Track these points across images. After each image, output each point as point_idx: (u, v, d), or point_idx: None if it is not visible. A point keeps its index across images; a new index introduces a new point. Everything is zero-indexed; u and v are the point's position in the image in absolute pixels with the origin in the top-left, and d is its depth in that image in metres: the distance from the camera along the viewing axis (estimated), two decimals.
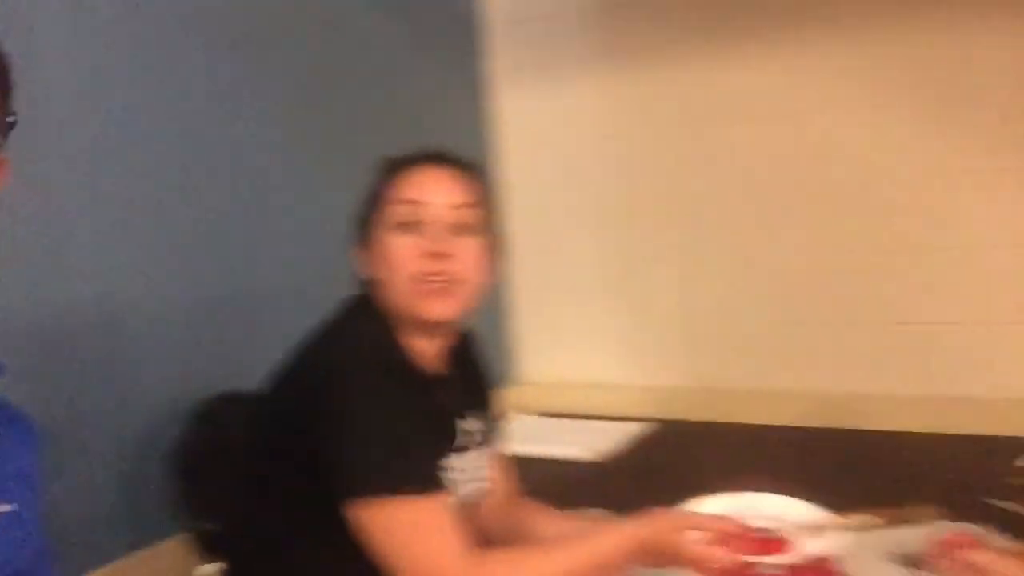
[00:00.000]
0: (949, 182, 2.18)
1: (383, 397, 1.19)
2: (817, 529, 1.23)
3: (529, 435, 2.32)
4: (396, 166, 1.31)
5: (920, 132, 2.20)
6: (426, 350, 1.33)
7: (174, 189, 1.71)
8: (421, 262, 1.24)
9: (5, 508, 0.76)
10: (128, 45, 1.63)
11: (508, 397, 2.64)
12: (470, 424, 1.41)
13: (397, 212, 1.26)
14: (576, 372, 2.70)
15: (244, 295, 1.86)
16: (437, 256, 1.24)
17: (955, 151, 2.16)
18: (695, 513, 1.25)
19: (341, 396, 1.19)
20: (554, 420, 2.57)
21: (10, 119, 0.76)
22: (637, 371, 2.62)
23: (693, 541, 1.17)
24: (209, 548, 1.63)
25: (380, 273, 1.28)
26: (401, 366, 1.27)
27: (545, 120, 2.64)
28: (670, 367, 2.57)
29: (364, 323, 1.30)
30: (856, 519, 1.27)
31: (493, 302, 2.66)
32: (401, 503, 1.14)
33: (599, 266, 2.65)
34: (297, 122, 2.00)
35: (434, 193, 1.27)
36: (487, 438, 1.44)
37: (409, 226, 1.25)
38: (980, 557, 1.28)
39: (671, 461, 2.16)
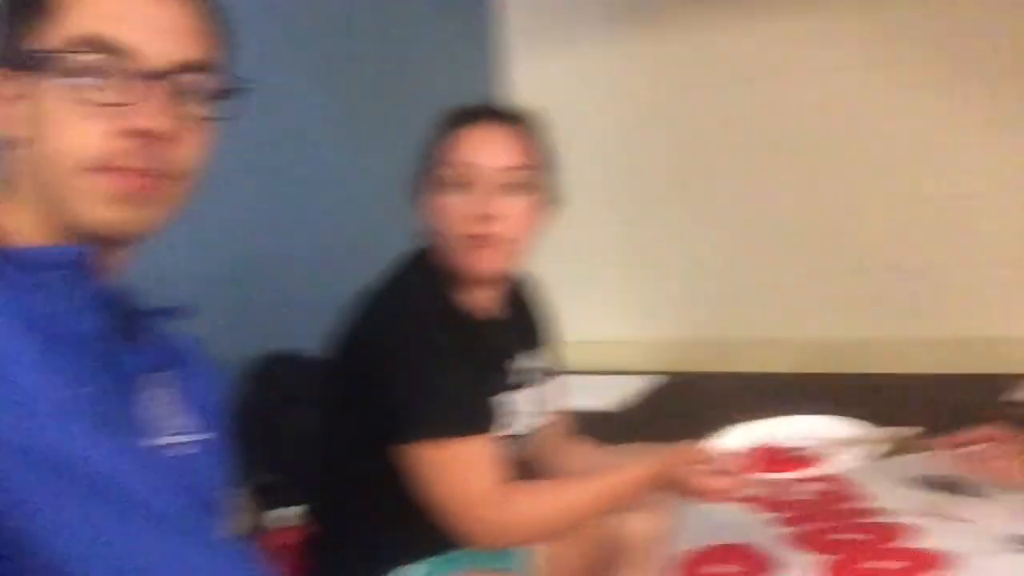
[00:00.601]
0: (945, 135, 2.31)
1: (429, 346, 1.26)
2: (850, 444, 1.32)
3: None
4: (455, 122, 1.35)
5: (918, 86, 2.32)
6: (479, 298, 1.39)
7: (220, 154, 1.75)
8: (470, 222, 1.30)
9: (208, 436, 0.83)
10: None
11: None
12: (525, 363, 1.48)
13: (450, 172, 1.31)
14: (583, 328, 2.78)
15: (290, 254, 1.90)
16: (485, 218, 1.30)
17: (952, 105, 2.29)
18: (704, 447, 1.32)
19: (392, 347, 1.26)
20: (562, 376, 2.64)
21: (225, 86, 0.79)
22: (643, 325, 2.72)
23: (699, 472, 1.25)
24: (272, 498, 1.71)
25: (434, 228, 1.34)
26: (450, 315, 1.33)
27: (557, 81, 2.70)
28: (675, 320, 2.68)
29: (417, 275, 1.36)
30: (890, 433, 1.36)
31: None
32: (442, 444, 1.22)
33: (606, 224, 2.73)
34: (331, 87, 2.04)
35: (486, 155, 1.32)
36: (543, 375, 1.52)
37: (460, 186, 1.30)
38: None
39: (681, 411, 2.25)
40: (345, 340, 1.35)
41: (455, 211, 1.31)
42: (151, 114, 0.71)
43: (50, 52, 0.70)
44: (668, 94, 2.59)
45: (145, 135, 0.71)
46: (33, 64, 0.71)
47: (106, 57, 0.71)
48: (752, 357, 2.49)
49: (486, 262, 1.32)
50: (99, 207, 0.72)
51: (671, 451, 1.30)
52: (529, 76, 2.74)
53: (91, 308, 0.72)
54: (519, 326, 1.51)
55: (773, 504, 1.64)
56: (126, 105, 0.71)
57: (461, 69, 2.61)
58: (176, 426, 0.80)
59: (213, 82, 0.78)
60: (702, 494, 1.26)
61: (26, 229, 0.73)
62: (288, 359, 1.79)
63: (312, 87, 2.00)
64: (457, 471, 1.22)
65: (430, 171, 1.34)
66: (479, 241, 1.31)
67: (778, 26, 2.43)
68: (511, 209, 1.32)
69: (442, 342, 1.27)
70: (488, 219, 1.30)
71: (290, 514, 1.47)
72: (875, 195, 2.41)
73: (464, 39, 2.64)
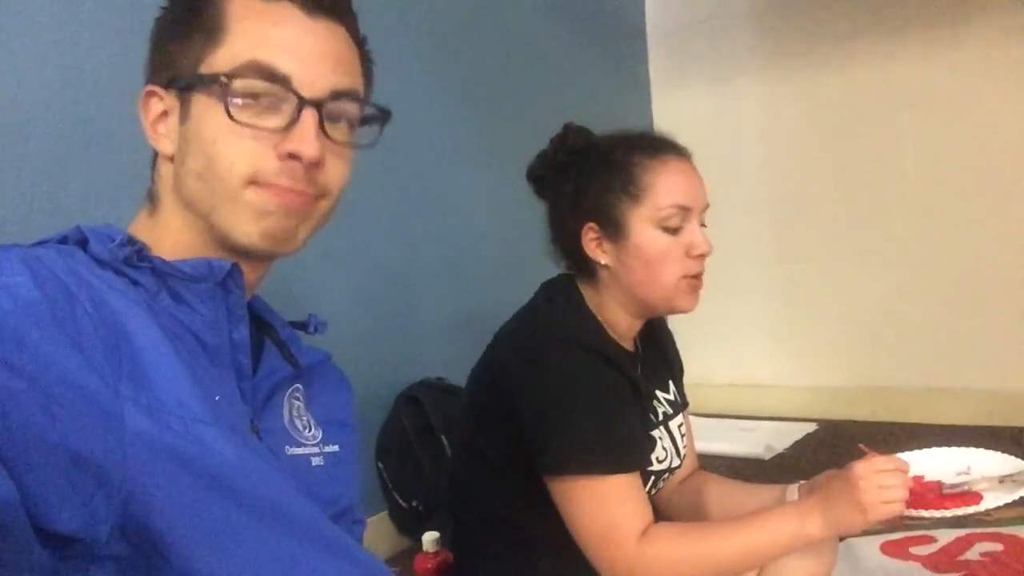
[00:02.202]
0: None
1: (585, 376, 1.24)
2: (1009, 479, 1.20)
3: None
4: (646, 152, 1.32)
5: None
6: (628, 330, 1.38)
7: (371, 188, 1.81)
8: (688, 263, 1.28)
9: (333, 448, 0.85)
10: None
11: None
12: (663, 397, 1.47)
13: (666, 215, 1.27)
14: (733, 371, 2.71)
15: (429, 284, 1.95)
16: (703, 257, 1.29)
17: None
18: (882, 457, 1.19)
19: (547, 376, 1.24)
20: (712, 419, 2.56)
21: (369, 113, 0.83)
22: (797, 371, 2.61)
23: (881, 484, 1.12)
24: (414, 522, 1.74)
25: (634, 265, 1.29)
26: (606, 347, 1.32)
27: (705, 119, 2.67)
28: (833, 366, 2.55)
29: (567, 303, 1.35)
30: None
31: None
32: (592, 479, 1.19)
33: (759, 265, 2.66)
34: (478, 121, 2.09)
35: (697, 198, 1.31)
36: (676, 410, 1.49)
37: (676, 229, 1.28)
38: None
39: (837, 461, 2.13)
40: (491, 368, 1.35)
41: (673, 251, 1.28)
42: (304, 139, 0.75)
43: (216, 76, 0.73)
44: (820, 129, 2.51)
45: (298, 158, 0.75)
46: (193, 86, 0.75)
47: (266, 83, 0.74)
48: (915, 406, 2.34)
49: (693, 303, 1.31)
50: (252, 221, 0.75)
51: (833, 477, 1.19)
52: (677, 115, 2.73)
53: (235, 320, 0.76)
54: (655, 359, 1.49)
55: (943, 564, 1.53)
56: (282, 130, 0.75)
57: (613, 109, 2.62)
58: (303, 438, 0.83)
59: (359, 109, 0.81)
60: (877, 509, 1.11)
61: (168, 242, 0.77)
62: (430, 386, 1.83)
63: (459, 116, 2.05)
64: (603, 507, 1.19)
65: (626, 200, 1.30)
66: (697, 282, 1.30)
67: (941, 58, 2.31)
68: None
69: (600, 376, 1.25)
70: (703, 258, 1.29)
71: (431, 539, 1.49)
72: None
73: (616, 80, 2.65)
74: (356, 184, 1.75)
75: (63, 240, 0.74)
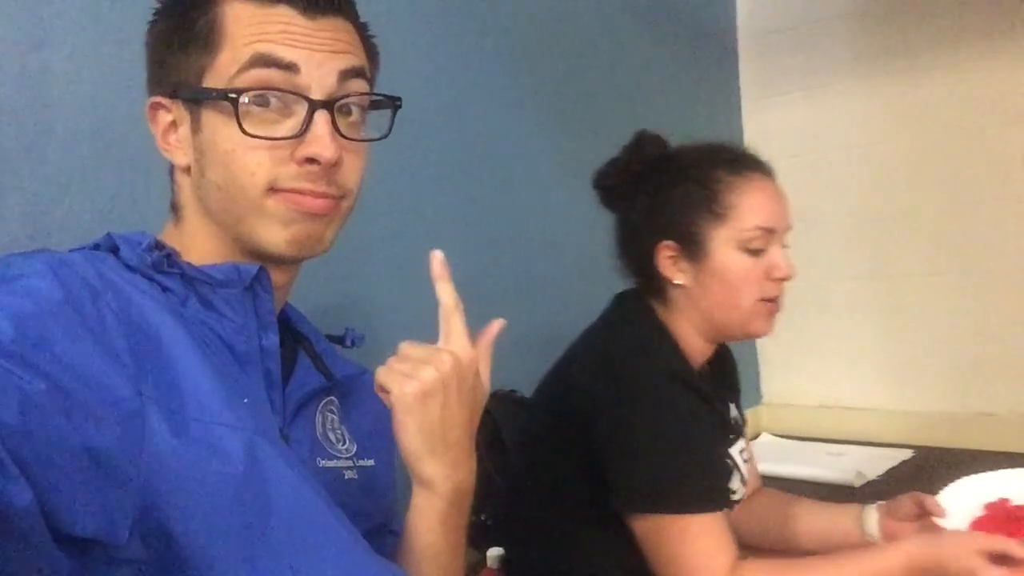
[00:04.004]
0: None
1: (676, 410, 1.20)
2: None
3: (774, 455, 2.26)
4: (730, 168, 1.28)
5: None
6: (700, 354, 1.34)
7: (453, 196, 1.81)
8: (768, 286, 1.25)
9: (368, 463, 0.85)
10: (422, 57, 1.74)
11: (752, 417, 2.59)
12: (732, 414, 1.42)
13: (750, 237, 1.24)
14: (823, 393, 2.60)
15: (501, 294, 1.93)
16: (783, 281, 1.26)
17: None
18: (989, 537, 1.14)
19: (634, 405, 1.19)
20: (799, 442, 2.48)
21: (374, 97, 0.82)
22: (894, 394, 2.47)
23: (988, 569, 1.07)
24: (482, 536, 1.72)
25: (713, 287, 1.26)
26: (690, 373, 1.27)
27: (798, 128, 2.58)
28: (932, 389, 2.41)
29: (647, 324, 1.30)
30: None
31: None
32: (682, 518, 1.15)
33: (853, 281, 2.54)
34: (561, 133, 2.06)
35: (782, 219, 1.28)
36: (739, 434, 1.44)
37: (759, 251, 1.25)
38: None
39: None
40: (567, 386, 1.31)
41: (754, 274, 1.24)
42: (320, 143, 0.75)
43: (224, 91, 0.74)
44: (922, 140, 2.38)
45: (316, 162, 0.74)
46: (201, 99, 0.75)
47: (275, 72, 0.74)
48: (1022, 435, 2.19)
49: (771, 326, 1.29)
50: (278, 227, 0.76)
51: (946, 537, 1.14)
52: (769, 125, 2.63)
53: (264, 326, 0.76)
54: (719, 381, 1.44)
55: None
56: (297, 136, 0.74)
57: (703, 118, 2.56)
58: (336, 451, 0.82)
59: (367, 92, 0.81)
60: None
61: (196, 251, 0.78)
62: (502, 398, 1.80)
63: (538, 124, 2.02)
64: (693, 546, 1.15)
65: (708, 219, 1.26)
66: (775, 305, 1.27)
67: None
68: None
69: (691, 409, 1.21)
70: (784, 281, 1.26)
71: (495, 555, 1.47)
72: None
73: (706, 88, 2.59)
74: (428, 194, 1.76)
75: (95, 247, 0.75)
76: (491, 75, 1.89)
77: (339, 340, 0.90)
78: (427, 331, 1.74)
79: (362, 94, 0.79)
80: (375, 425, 0.89)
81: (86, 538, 0.59)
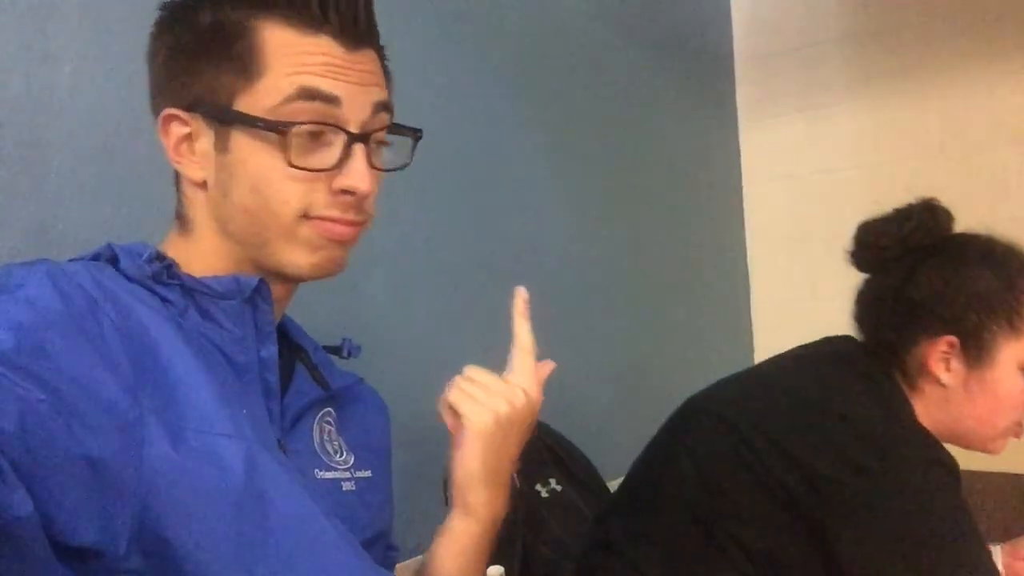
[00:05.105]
0: None
1: (956, 508, 1.07)
2: None
3: None
4: None
5: None
6: None
7: (453, 213, 1.80)
8: None
9: (365, 474, 0.85)
10: (424, 78, 1.74)
11: None
12: None
13: None
14: None
15: (497, 312, 1.92)
16: None
17: None
18: None
19: (910, 505, 1.04)
20: None
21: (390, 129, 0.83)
22: None
23: None
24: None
25: (980, 399, 1.15)
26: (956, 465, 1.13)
27: (794, 151, 2.60)
28: None
29: (902, 405, 1.16)
30: None
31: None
32: None
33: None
34: (561, 153, 2.07)
35: None
36: None
37: None
38: None
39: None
40: (779, 451, 1.10)
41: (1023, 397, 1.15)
42: (357, 175, 0.77)
43: (274, 123, 0.74)
44: (917, 162, 2.39)
45: (352, 193, 0.76)
46: (232, 120, 0.75)
47: (319, 105, 0.75)
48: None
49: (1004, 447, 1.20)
50: (306, 252, 0.78)
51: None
52: (763, 142, 2.65)
53: (263, 338, 0.76)
54: None
55: None
56: (335, 167, 0.76)
57: (703, 141, 2.58)
58: (334, 463, 0.82)
59: (395, 128, 0.83)
60: None
61: (199, 263, 0.78)
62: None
63: (541, 148, 2.03)
64: None
65: (986, 328, 1.15)
66: (1021, 428, 1.19)
67: None
68: None
69: (967, 514, 1.07)
70: None
71: (496, 572, 1.44)
72: None
73: (705, 111, 2.61)
74: (428, 211, 1.75)
75: (94, 258, 0.76)
76: (493, 96, 1.90)
77: (336, 351, 0.90)
78: (423, 344, 1.74)
79: (390, 127, 0.81)
80: (373, 437, 0.89)
81: (85, 548, 0.59)
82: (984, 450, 1.20)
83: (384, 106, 0.80)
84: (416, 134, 0.84)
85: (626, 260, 2.22)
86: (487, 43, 1.90)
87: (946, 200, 2.32)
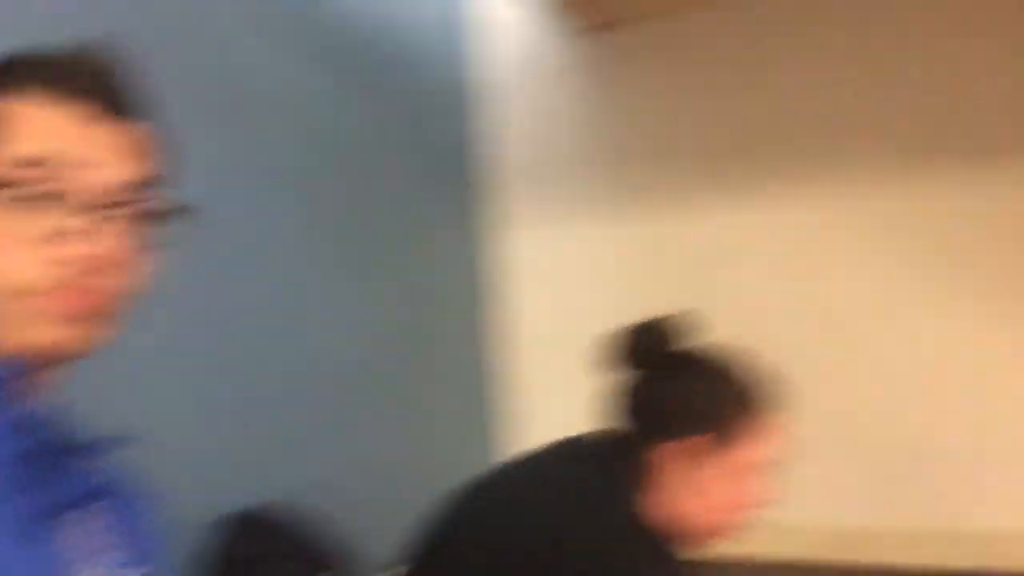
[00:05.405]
0: (950, 336, 2.32)
1: None
2: None
3: None
4: (759, 407, 1.30)
5: (921, 287, 2.35)
6: None
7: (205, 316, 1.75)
8: (748, 510, 1.29)
9: (143, 570, 0.79)
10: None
11: None
12: None
13: (755, 466, 1.27)
14: None
15: (273, 405, 1.88)
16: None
17: (955, 298, 2.32)
18: None
19: None
20: None
21: (166, 205, 0.79)
22: None
23: None
24: None
25: (702, 507, 1.27)
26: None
27: (553, 264, 2.77)
28: None
29: (632, 507, 1.25)
30: None
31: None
32: None
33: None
34: (322, 255, 2.08)
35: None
36: None
37: (753, 476, 1.28)
38: None
39: None
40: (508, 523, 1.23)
41: (745, 498, 1.28)
42: (94, 239, 0.72)
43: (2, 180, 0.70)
44: (666, 278, 2.64)
45: (89, 260, 0.71)
46: None
47: (49, 179, 0.71)
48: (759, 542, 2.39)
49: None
50: (42, 327, 0.71)
51: None
52: (523, 259, 2.80)
53: (21, 429, 0.71)
54: None
55: None
56: (70, 233, 0.71)
57: (454, 249, 2.69)
58: (105, 560, 0.77)
59: (155, 201, 0.78)
60: None
61: None
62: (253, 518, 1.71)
63: (297, 242, 2.03)
64: None
65: (724, 445, 1.27)
66: (738, 529, 1.29)
67: (782, 215, 2.52)
68: None
69: None
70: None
71: None
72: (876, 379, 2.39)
73: (458, 219, 2.73)
74: (194, 288, 1.69)
75: None
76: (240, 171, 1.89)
77: (108, 441, 0.84)
78: (200, 432, 1.66)
79: (146, 200, 0.77)
80: (148, 531, 0.84)
81: None
82: (697, 545, 1.30)
83: (143, 178, 0.76)
84: (181, 209, 0.79)
85: (375, 359, 2.25)
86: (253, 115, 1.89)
87: (691, 313, 2.57)
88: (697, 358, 1.34)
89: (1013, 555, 2.10)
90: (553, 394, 2.70)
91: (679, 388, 1.31)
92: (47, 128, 0.73)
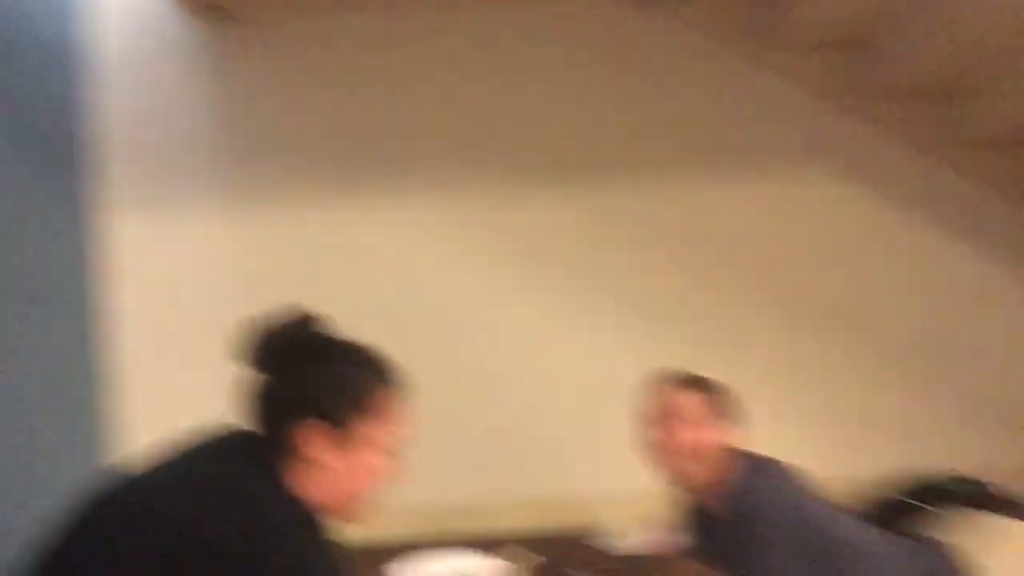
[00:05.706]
0: (528, 325, 2.71)
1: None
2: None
3: None
4: (381, 390, 1.38)
5: (495, 275, 2.70)
6: None
7: None
8: (379, 484, 1.37)
9: None
10: None
11: None
12: None
13: (380, 445, 1.36)
14: None
15: None
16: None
17: (523, 291, 2.71)
18: None
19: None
20: None
21: None
22: None
23: None
24: None
25: (344, 481, 1.33)
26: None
27: (160, 248, 2.68)
28: None
29: (284, 493, 1.27)
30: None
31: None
32: None
33: (219, 392, 2.63)
34: None
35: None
36: None
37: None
38: None
39: None
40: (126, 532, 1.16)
41: (374, 474, 1.36)
42: None
43: None
44: (274, 267, 2.69)
45: None
46: None
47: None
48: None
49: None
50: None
51: None
52: (130, 242, 2.69)
53: None
54: None
55: None
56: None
57: (53, 231, 2.47)
58: None
59: None
60: None
61: None
62: None
63: None
64: None
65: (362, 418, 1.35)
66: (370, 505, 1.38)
67: (376, 215, 2.72)
68: None
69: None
70: None
71: None
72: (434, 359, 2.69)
73: (59, 201, 2.51)
74: None
75: None
76: None
77: None
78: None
79: None
80: None
81: None
82: (352, 518, 1.38)
83: None
84: None
85: None
86: None
87: (309, 304, 2.63)
88: (321, 347, 1.40)
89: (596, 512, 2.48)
90: (159, 387, 2.61)
91: (307, 376, 1.36)
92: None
